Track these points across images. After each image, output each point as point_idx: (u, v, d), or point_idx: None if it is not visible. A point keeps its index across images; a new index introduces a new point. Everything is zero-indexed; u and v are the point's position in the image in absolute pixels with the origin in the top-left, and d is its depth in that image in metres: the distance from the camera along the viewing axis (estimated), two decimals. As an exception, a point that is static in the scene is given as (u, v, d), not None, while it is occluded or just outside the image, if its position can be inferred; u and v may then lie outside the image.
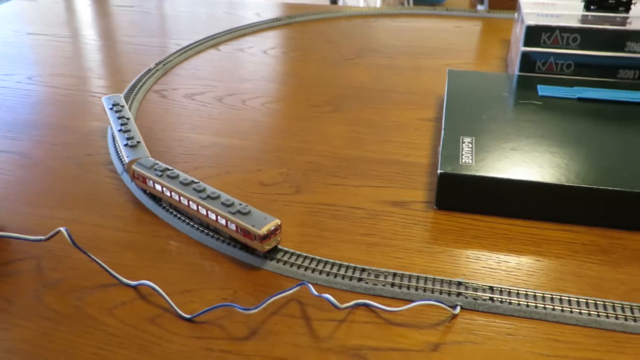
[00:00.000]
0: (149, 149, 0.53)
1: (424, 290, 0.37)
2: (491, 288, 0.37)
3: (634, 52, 0.58)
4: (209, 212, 0.41)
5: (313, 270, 0.38)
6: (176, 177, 0.43)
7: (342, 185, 0.48)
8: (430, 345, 0.33)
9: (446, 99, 0.55)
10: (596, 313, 0.35)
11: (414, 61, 0.73)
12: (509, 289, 0.37)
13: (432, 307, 0.36)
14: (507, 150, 0.46)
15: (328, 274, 0.38)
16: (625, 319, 0.34)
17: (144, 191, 0.46)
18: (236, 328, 0.34)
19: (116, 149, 0.52)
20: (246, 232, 0.39)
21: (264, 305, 0.34)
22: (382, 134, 0.56)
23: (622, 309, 0.35)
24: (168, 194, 0.43)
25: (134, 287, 0.37)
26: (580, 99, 0.54)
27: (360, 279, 0.38)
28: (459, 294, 0.36)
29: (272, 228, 0.38)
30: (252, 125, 0.58)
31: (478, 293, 0.36)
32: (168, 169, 0.44)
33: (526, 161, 0.45)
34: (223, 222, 0.40)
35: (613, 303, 0.36)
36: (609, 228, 0.43)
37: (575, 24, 0.58)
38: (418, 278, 0.38)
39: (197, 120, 0.59)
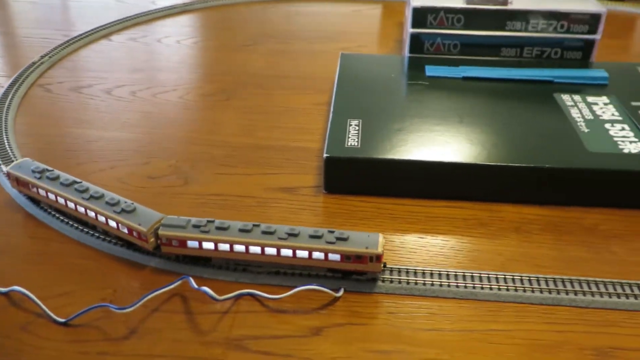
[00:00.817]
0: (31, 147, 0.51)
1: (309, 275, 0.37)
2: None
3: (514, 30, 0.60)
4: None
5: (197, 264, 0.38)
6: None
7: (232, 174, 0.47)
8: (313, 329, 0.34)
9: (336, 83, 0.55)
10: (472, 285, 0.36)
11: (310, 46, 0.73)
12: (391, 268, 0.37)
13: (317, 292, 0.36)
14: (393, 131, 0.47)
15: (213, 266, 0.38)
16: (499, 289, 0.36)
17: (26, 195, 0.43)
18: (115, 329, 0.33)
19: (-9, 149, 0.49)
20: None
21: (141, 303, 0.33)
22: (275, 120, 0.56)
23: (497, 279, 0.37)
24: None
25: (5, 294, 0.35)
26: (465, 78, 0.56)
27: (245, 269, 0.37)
28: (343, 275, 0.37)
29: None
30: (141, 117, 0.56)
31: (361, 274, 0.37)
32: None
33: (410, 141, 0.45)
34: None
35: (488, 274, 0.37)
36: (490, 202, 0.44)
37: (459, 4, 0.60)
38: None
39: (83, 115, 0.56)
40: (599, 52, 0.66)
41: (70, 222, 0.41)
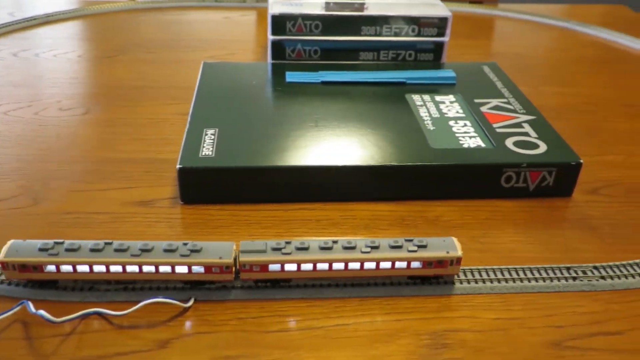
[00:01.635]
0: None
1: (158, 288, 0.37)
2: (225, 275, 0.38)
3: (370, 35, 0.62)
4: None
5: (42, 286, 0.37)
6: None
7: (88, 190, 0.46)
8: (160, 342, 0.34)
9: (196, 92, 0.55)
10: (319, 284, 0.38)
11: (178, 55, 0.72)
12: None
13: (167, 305, 0.36)
14: (249, 138, 0.48)
15: (58, 287, 0.37)
16: (345, 285, 0.38)
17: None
18: (-53, 362, 0.32)
19: None
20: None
21: (-26, 333, 0.32)
22: (139, 132, 0.55)
23: (344, 276, 0.38)
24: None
25: None
26: (324, 83, 0.58)
27: (91, 288, 0.37)
28: (193, 286, 0.37)
29: None
30: (-10, 136, 0.53)
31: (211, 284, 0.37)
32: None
33: (265, 147, 0.46)
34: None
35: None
36: (344, 202, 0.46)
37: (317, 11, 0.62)
38: (154, 276, 0.37)
39: None
40: (454, 52, 0.70)
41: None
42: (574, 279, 0.39)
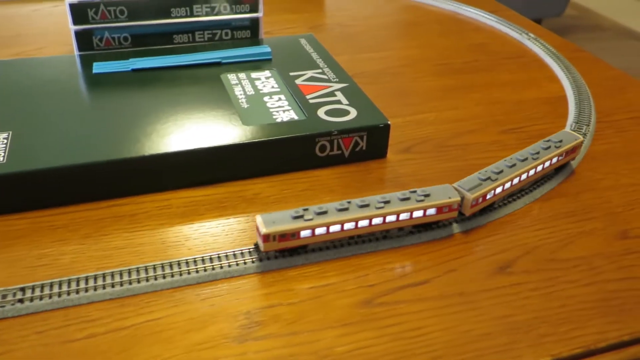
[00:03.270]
0: None
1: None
2: (23, 290, 0.35)
3: (181, 17, 0.60)
4: (394, 216, 0.39)
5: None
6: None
7: None
8: None
9: (-12, 94, 0.50)
10: (129, 281, 0.36)
11: (-24, 55, 0.66)
12: (41, 284, 0.35)
13: None
14: (49, 139, 0.44)
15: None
16: (155, 279, 0.36)
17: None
18: None
19: None
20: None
21: None
22: None
23: (154, 269, 0.37)
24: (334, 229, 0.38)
25: None
26: (135, 70, 0.55)
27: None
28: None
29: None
30: None
31: None
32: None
33: (67, 146, 0.43)
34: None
35: (146, 266, 0.37)
36: (160, 192, 0.44)
37: (120, -4, 0.58)
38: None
39: None
40: (278, 28, 0.70)
41: None
42: (385, 237, 0.40)
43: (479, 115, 0.56)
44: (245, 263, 0.37)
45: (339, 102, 0.50)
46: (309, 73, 0.55)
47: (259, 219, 0.37)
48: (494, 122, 0.55)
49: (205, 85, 0.53)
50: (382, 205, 0.38)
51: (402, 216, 0.39)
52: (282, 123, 0.47)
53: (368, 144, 0.48)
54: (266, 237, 0.36)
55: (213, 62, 0.57)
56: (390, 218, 0.39)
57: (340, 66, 0.57)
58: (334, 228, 0.38)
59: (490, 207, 0.43)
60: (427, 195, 0.39)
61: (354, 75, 0.63)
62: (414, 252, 0.39)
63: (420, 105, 0.57)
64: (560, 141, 0.46)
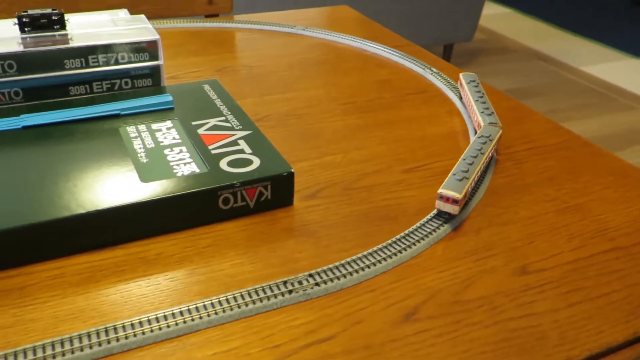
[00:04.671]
0: None
1: None
2: None
3: (76, 68, 0.58)
4: None
5: None
6: None
7: None
8: None
9: None
10: None
11: None
12: None
13: None
14: None
15: None
16: (46, 360, 0.34)
17: None
18: None
19: None
20: None
21: None
22: None
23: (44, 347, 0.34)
24: None
25: None
26: (25, 127, 0.52)
27: None
28: None
29: None
30: None
31: None
32: None
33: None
34: None
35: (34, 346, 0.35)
36: (57, 259, 0.42)
37: (8, 49, 0.56)
38: None
39: None
40: (183, 72, 0.68)
41: None
42: (290, 292, 0.39)
43: (384, 155, 0.56)
44: (144, 333, 0.36)
45: (242, 151, 0.50)
46: (212, 121, 0.54)
47: (445, 191, 0.46)
48: (397, 161, 0.55)
49: (102, 140, 0.51)
50: None
51: None
52: (183, 177, 0.46)
53: (273, 193, 0.47)
54: (460, 200, 0.45)
55: (111, 115, 0.55)
56: None
57: (244, 112, 0.56)
58: None
59: (401, 248, 0.43)
60: None
61: (260, 119, 0.62)
62: (321, 304, 0.39)
63: (326, 147, 0.57)
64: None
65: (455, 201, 0.45)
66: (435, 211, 0.48)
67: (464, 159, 0.50)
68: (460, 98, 0.68)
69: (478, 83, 0.66)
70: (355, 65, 0.77)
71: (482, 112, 0.59)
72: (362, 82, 0.72)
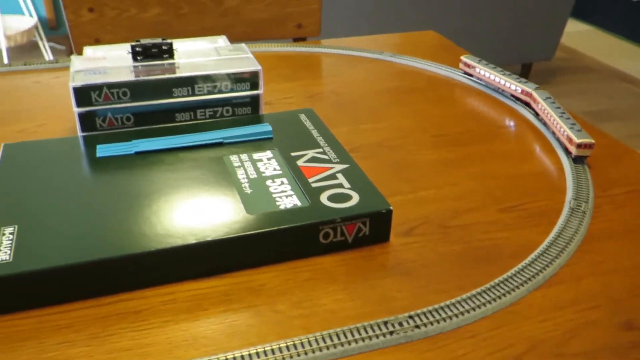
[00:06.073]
0: None
1: None
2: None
3: (182, 96, 0.61)
4: None
5: None
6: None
7: None
8: None
9: (-7, 183, 0.50)
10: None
11: (-22, 133, 0.66)
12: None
13: None
14: (55, 232, 0.44)
15: None
16: (164, 385, 0.36)
17: None
18: None
19: None
20: None
21: None
22: None
23: (163, 374, 0.37)
24: None
25: None
26: (137, 153, 0.56)
27: None
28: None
29: None
30: None
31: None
32: None
33: (73, 240, 0.44)
34: None
35: (154, 371, 0.37)
36: (164, 285, 0.44)
37: (122, 78, 0.59)
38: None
39: None
40: (275, 98, 0.71)
41: None
42: (391, 333, 0.40)
43: (477, 192, 0.56)
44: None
45: (340, 185, 0.51)
46: (310, 153, 0.56)
47: (583, 140, 0.55)
48: (492, 199, 0.55)
49: (208, 168, 0.53)
50: None
51: None
52: (286, 210, 0.48)
53: (371, 229, 0.48)
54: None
55: (215, 142, 0.57)
56: None
57: (340, 144, 0.58)
58: None
59: (500, 293, 0.43)
60: None
61: (352, 149, 0.64)
62: (421, 347, 0.39)
63: (419, 181, 0.58)
64: None
65: (590, 146, 0.57)
66: (533, 255, 0.47)
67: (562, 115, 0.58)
68: (537, 115, 0.67)
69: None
70: (444, 94, 0.78)
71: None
72: (452, 112, 0.73)
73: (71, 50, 2.98)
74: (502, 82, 0.75)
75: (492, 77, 0.76)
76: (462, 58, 0.82)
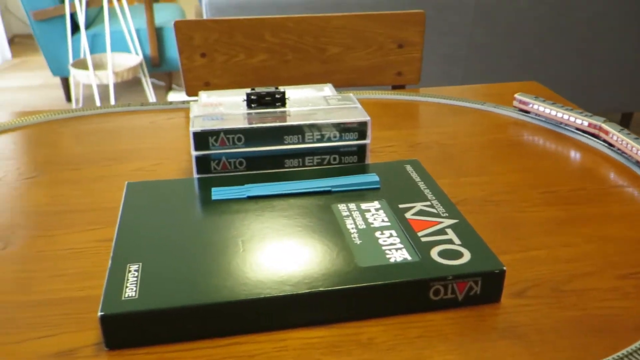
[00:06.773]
0: None
1: None
2: None
3: (293, 143, 0.63)
4: None
5: None
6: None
7: None
8: None
9: (119, 221, 0.54)
10: None
11: (100, 170, 0.71)
12: None
13: None
14: (173, 272, 0.47)
15: None
16: None
17: None
18: None
19: None
20: None
21: None
22: (55, 267, 0.53)
23: None
24: None
25: None
26: (250, 197, 0.58)
27: None
28: None
29: None
30: None
31: None
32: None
33: (191, 281, 0.45)
34: None
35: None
36: (274, 331, 0.45)
37: (238, 125, 0.62)
38: None
39: None
40: (379, 145, 0.72)
41: None
42: (507, 401, 0.39)
43: (593, 255, 0.54)
44: (365, 423, 0.37)
45: (451, 241, 0.51)
46: (418, 206, 0.56)
47: None
48: (610, 264, 0.53)
49: (317, 216, 0.54)
50: None
51: None
52: (397, 264, 0.48)
53: (482, 288, 0.48)
54: None
55: (323, 191, 0.59)
56: None
57: (448, 198, 0.57)
58: None
59: None
60: None
61: (457, 202, 0.63)
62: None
63: (529, 240, 0.56)
64: None
65: None
66: (658, 329, 0.45)
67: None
68: (611, 145, 0.65)
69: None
70: (551, 148, 0.76)
71: None
72: (561, 167, 0.70)
73: (169, 87, 3.15)
74: (566, 116, 0.74)
75: (553, 112, 0.76)
76: (516, 96, 0.81)
